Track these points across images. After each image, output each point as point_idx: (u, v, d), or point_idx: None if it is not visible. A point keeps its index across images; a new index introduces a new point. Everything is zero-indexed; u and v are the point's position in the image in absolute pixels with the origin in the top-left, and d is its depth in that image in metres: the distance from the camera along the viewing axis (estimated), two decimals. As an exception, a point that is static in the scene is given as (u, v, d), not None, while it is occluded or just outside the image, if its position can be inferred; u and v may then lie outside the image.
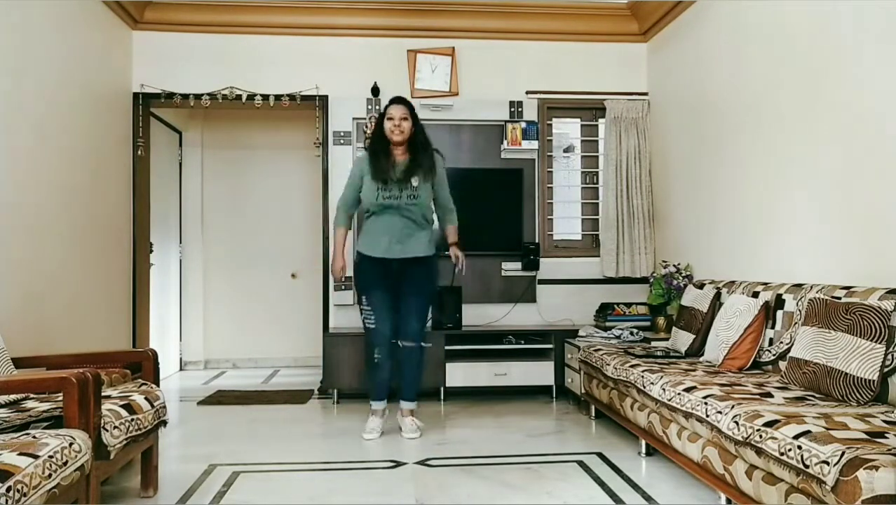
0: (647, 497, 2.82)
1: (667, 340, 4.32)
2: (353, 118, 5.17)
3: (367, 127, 5.08)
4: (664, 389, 2.99)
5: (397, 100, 3.88)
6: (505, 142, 5.18)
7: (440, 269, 4.06)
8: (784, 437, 2.09)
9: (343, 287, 5.13)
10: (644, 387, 3.20)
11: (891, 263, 2.81)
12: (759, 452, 2.20)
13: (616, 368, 3.62)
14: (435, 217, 4.04)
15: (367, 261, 3.82)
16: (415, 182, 3.76)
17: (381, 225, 3.78)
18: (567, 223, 5.58)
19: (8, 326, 3.17)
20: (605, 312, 5.01)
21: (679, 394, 2.85)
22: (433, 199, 3.91)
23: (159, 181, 5.71)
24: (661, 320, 4.79)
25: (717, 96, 4.28)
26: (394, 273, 3.80)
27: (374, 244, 3.80)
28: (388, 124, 3.79)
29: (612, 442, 3.69)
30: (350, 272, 3.97)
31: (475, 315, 5.15)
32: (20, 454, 1.86)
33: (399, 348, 3.85)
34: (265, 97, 5.10)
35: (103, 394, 2.56)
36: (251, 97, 5.09)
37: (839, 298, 2.78)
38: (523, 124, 5.19)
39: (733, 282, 3.82)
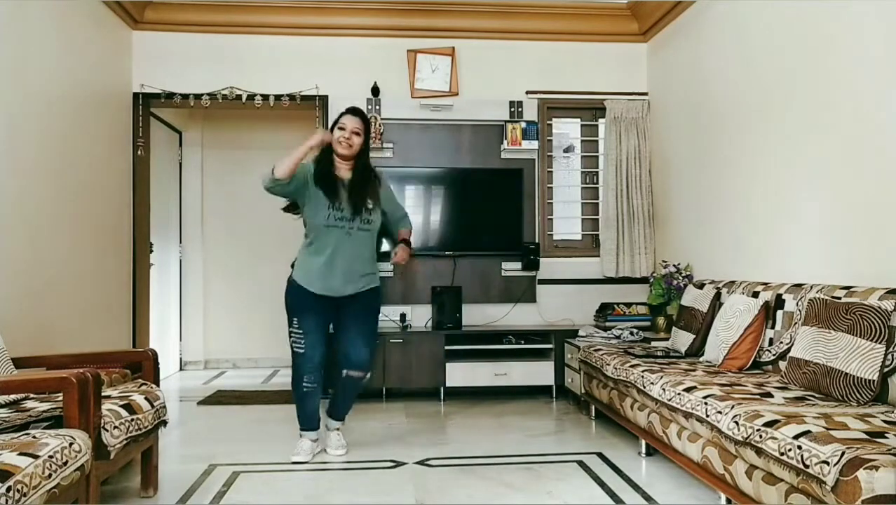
0: (647, 497, 2.82)
1: (667, 340, 4.32)
2: (354, 118, 5.17)
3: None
4: (664, 389, 2.99)
5: (354, 110, 3.49)
6: (505, 142, 5.18)
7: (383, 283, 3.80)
8: (784, 437, 2.09)
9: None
10: (644, 387, 3.20)
11: (891, 263, 2.81)
12: (759, 452, 2.20)
13: (616, 368, 3.62)
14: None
15: (303, 289, 3.41)
16: (370, 205, 3.40)
17: (324, 256, 3.36)
18: (567, 223, 5.58)
19: (8, 326, 3.17)
20: (605, 312, 5.01)
21: (679, 394, 2.85)
22: (384, 217, 3.55)
23: (159, 181, 5.71)
24: (661, 320, 4.79)
25: (718, 96, 4.28)
26: (332, 302, 3.43)
27: (313, 278, 3.39)
28: (337, 133, 3.39)
29: (612, 442, 3.69)
30: (321, 139, 3.35)
31: (475, 315, 5.15)
32: (20, 454, 1.86)
33: (328, 373, 3.56)
34: (265, 97, 5.10)
35: (103, 394, 2.56)
36: (251, 97, 5.09)
37: (839, 298, 2.78)
38: (523, 124, 5.19)
39: (733, 282, 3.82)
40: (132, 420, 2.56)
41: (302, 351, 3.41)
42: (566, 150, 5.84)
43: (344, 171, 3.45)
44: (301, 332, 3.39)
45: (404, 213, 3.75)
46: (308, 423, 3.53)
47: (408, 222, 3.74)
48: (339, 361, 3.53)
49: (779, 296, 3.32)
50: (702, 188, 4.51)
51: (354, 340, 3.46)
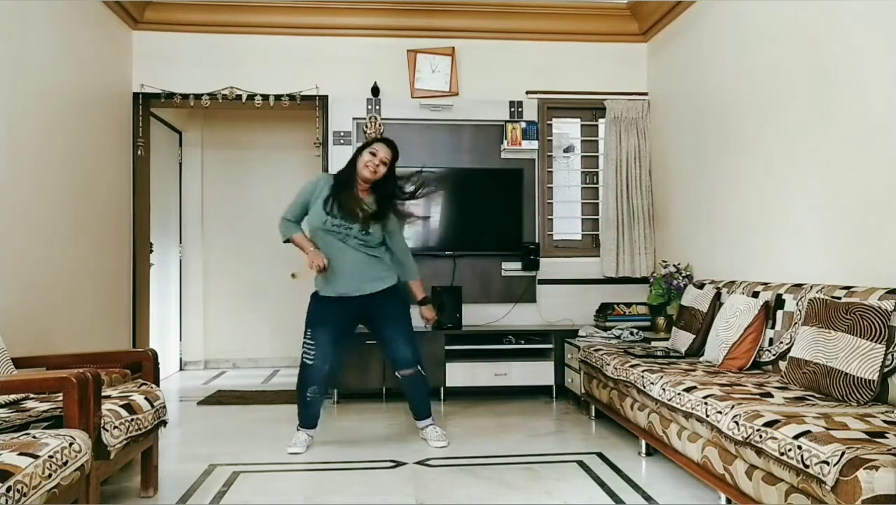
0: (647, 497, 2.82)
1: (667, 340, 4.32)
2: (353, 118, 5.17)
3: (366, 127, 5.09)
4: (664, 389, 2.99)
5: (388, 142, 3.59)
6: (505, 142, 5.18)
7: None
8: (784, 437, 2.09)
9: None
10: (644, 387, 3.20)
11: (891, 263, 2.81)
12: (759, 452, 2.20)
13: (616, 368, 3.62)
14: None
15: (324, 299, 3.56)
16: (370, 225, 3.49)
17: (334, 258, 3.48)
18: (567, 223, 5.58)
19: (8, 326, 3.17)
20: (605, 312, 5.01)
21: (679, 394, 2.85)
22: (389, 246, 3.64)
23: (159, 181, 5.71)
24: (661, 320, 4.79)
25: (718, 96, 4.27)
26: (355, 309, 3.56)
27: (331, 282, 3.53)
28: (367, 157, 3.49)
29: (612, 442, 3.69)
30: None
31: (475, 315, 5.15)
32: (20, 454, 1.86)
33: (329, 380, 3.72)
34: (265, 97, 5.10)
35: (103, 394, 2.56)
36: (251, 97, 5.09)
37: (839, 298, 2.78)
38: (523, 124, 5.19)
39: (733, 282, 3.82)
40: (132, 420, 2.56)
41: (311, 362, 3.56)
42: (566, 150, 5.84)
43: (360, 191, 3.59)
44: (313, 343, 3.55)
45: (409, 258, 3.73)
46: (308, 421, 3.67)
47: (414, 269, 3.75)
48: (391, 364, 3.77)
49: (779, 296, 3.32)
50: (701, 188, 4.51)
51: (393, 341, 3.64)
